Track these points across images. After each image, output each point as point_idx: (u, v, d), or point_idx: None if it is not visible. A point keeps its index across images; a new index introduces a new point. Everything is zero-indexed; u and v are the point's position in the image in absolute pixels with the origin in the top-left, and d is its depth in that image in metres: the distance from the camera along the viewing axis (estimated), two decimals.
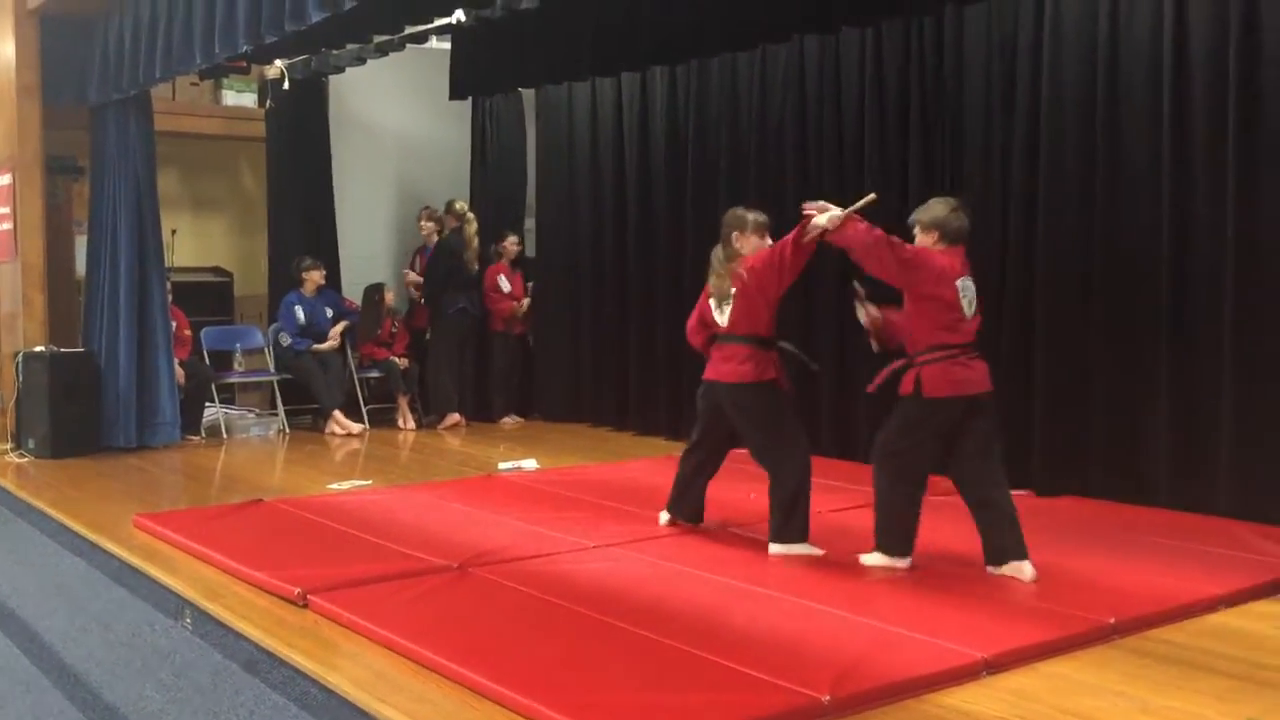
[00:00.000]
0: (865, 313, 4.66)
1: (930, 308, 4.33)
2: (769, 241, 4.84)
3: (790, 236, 4.59)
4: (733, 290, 4.78)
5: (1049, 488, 5.84)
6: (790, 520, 4.70)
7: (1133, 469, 5.65)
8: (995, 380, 6.08)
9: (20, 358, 7.52)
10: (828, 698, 3.01)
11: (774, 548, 4.70)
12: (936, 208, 4.44)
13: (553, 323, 9.31)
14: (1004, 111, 6.15)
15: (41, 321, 7.71)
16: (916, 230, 4.46)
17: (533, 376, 9.40)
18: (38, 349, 7.50)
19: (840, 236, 4.36)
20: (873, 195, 4.52)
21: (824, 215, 4.37)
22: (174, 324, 7.99)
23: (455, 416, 8.79)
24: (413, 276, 9.20)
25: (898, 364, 4.46)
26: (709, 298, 4.92)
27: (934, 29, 6.49)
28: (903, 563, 4.43)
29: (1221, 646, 3.60)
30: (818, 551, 4.68)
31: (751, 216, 4.88)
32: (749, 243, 4.83)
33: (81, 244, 8.08)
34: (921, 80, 6.58)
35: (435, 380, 8.88)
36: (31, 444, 7.43)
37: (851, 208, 4.39)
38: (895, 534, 4.45)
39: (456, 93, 8.72)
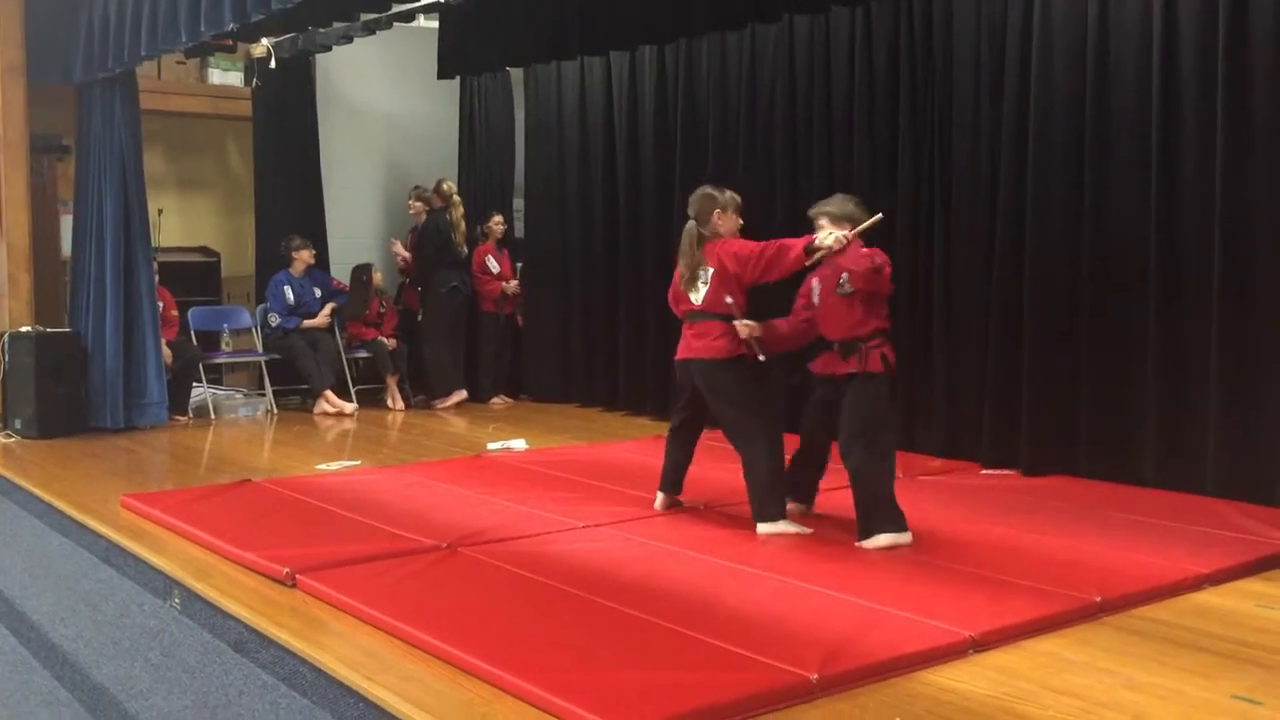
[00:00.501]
0: (745, 329, 4.72)
1: (880, 299, 4.59)
2: (740, 221, 4.95)
3: (793, 244, 4.61)
4: (709, 269, 4.82)
5: (1036, 467, 5.86)
6: (770, 497, 4.71)
7: (1120, 448, 5.67)
8: (986, 359, 6.17)
9: (6, 338, 7.49)
10: (816, 676, 3.02)
11: (761, 528, 4.71)
12: (845, 203, 4.64)
13: (542, 303, 9.30)
14: (993, 92, 6.15)
15: (27, 301, 7.67)
16: (824, 222, 4.58)
17: (522, 357, 9.40)
18: (24, 329, 7.47)
19: (845, 259, 4.49)
20: (879, 215, 4.61)
21: (830, 236, 4.46)
22: (161, 304, 7.96)
23: (461, 393, 8.80)
24: (399, 248, 9.17)
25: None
26: (680, 277, 4.97)
27: (923, 8, 6.48)
28: (908, 536, 4.46)
29: (1206, 624, 3.62)
30: (806, 530, 4.69)
31: (729, 195, 4.95)
32: (729, 221, 4.90)
33: (67, 223, 8.04)
34: (911, 59, 6.57)
35: (435, 360, 8.83)
36: (18, 424, 7.40)
37: (858, 229, 4.50)
38: (896, 510, 4.48)
39: (444, 72, 8.69)
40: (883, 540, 4.43)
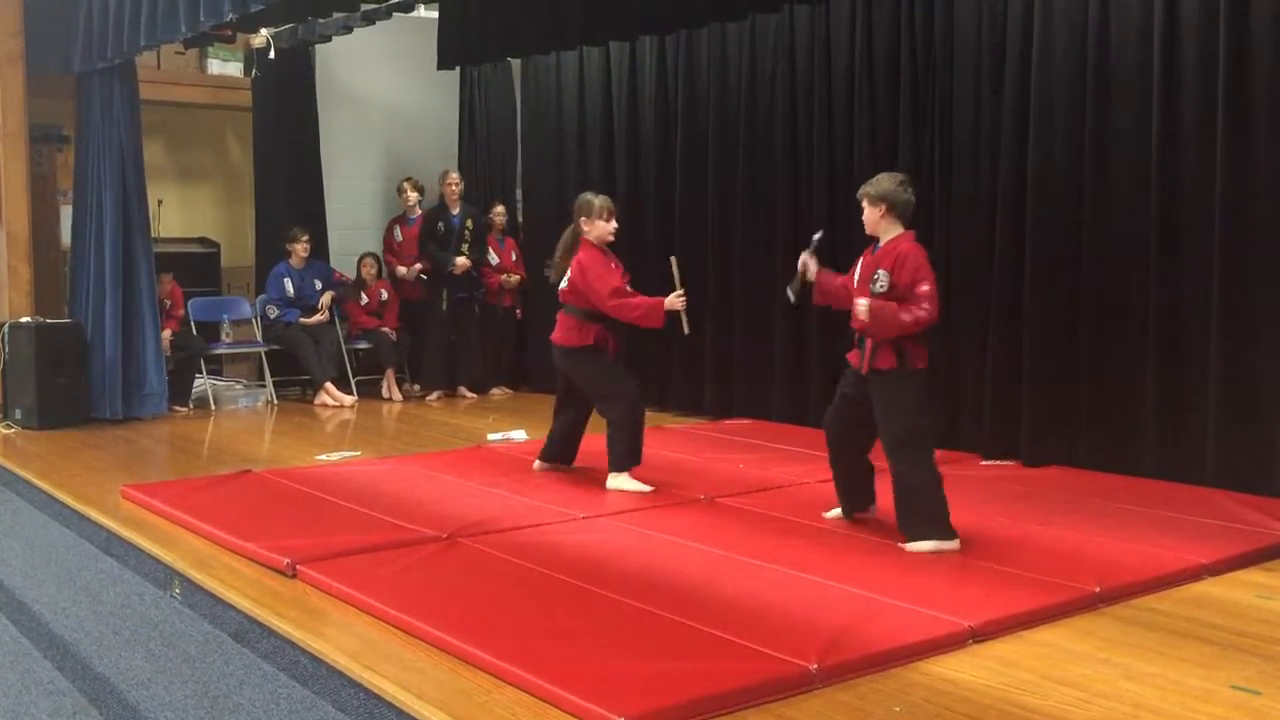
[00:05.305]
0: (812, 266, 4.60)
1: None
2: (614, 224, 5.37)
3: (634, 305, 5.24)
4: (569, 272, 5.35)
5: (1036, 458, 5.87)
6: (625, 453, 5.28)
7: (1119, 439, 5.67)
8: (986, 349, 6.16)
9: (6, 328, 7.49)
10: (815, 666, 3.03)
11: (611, 480, 5.30)
12: (885, 182, 4.38)
13: (541, 293, 9.28)
14: (993, 81, 6.13)
15: (27, 292, 7.67)
16: (864, 203, 4.40)
17: (522, 348, 9.39)
18: (23, 320, 7.47)
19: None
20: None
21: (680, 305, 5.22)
22: (169, 302, 7.98)
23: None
24: (416, 268, 8.99)
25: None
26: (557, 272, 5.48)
27: None
28: (954, 543, 4.23)
29: (1205, 614, 3.63)
30: (646, 488, 5.20)
31: (599, 201, 5.34)
32: (596, 227, 5.33)
33: (67, 214, 8.04)
34: (911, 49, 6.55)
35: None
36: (18, 415, 7.41)
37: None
38: (945, 515, 4.26)
39: (444, 62, 8.66)
40: (928, 546, 4.20)
